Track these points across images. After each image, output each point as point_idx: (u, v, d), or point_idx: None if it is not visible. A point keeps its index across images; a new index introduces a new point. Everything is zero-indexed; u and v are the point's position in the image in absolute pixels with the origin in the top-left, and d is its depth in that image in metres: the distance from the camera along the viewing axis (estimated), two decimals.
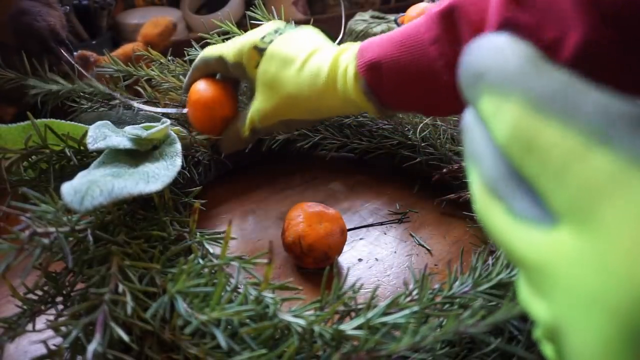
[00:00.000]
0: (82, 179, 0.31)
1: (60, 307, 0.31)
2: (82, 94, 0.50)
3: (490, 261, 0.36)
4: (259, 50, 0.44)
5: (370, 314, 0.28)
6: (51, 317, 0.30)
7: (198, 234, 0.36)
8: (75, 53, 0.56)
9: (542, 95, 0.14)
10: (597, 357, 0.13)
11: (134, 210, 0.35)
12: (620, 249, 0.12)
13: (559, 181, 0.14)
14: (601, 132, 0.13)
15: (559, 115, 0.14)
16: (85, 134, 0.37)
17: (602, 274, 0.13)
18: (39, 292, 0.31)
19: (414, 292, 0.31)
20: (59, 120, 0.39)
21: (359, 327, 0.27)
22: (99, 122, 0.39)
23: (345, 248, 0.46)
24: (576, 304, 0.14)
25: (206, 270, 0.31)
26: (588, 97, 0.13)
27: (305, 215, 0.43)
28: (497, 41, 0.16)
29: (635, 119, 0.13)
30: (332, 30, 0.85)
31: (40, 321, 0.30)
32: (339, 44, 0.44)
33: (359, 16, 0.83)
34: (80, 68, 0.52)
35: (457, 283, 0.32)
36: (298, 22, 0.55)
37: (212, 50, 0.47)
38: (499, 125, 0.15)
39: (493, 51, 0.15)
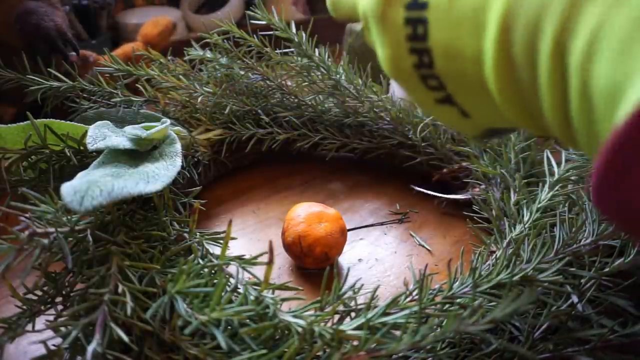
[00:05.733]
0: (81, 179, 0.31)
1: (60, 307, 0.31)
2: (84, 88, 0.50)
3: (490, 261, 0.35)
4: None
5: (370, 314, 0.27)
6: (51, 318, 0.30)
7: (198, 234, 0.36)
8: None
9: None
10: None
11: (134, 210, 0.35)
12: None
13: None
14: None
15: None
16: (85, 134, 0.37)
17: None
18: (39, 293, 0.31)
19: (414, 292, 0.31)
20: (58, 120, 0.38)
21: (359, 327, 0.27)
22: (98, 122, 0.39)
23: (346, 248, 0.45)
24: None
25: (206, 270, 0.31)
26: None
27: (305, 215, 0.43)
28: None
29: None
30: (332, 30, 0.85)
31: (40, 321, 0.30)
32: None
33: None
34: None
35: (457, 283, 0.32)
36: (298, 22, 0.55)
37: None
38: None
39: None
